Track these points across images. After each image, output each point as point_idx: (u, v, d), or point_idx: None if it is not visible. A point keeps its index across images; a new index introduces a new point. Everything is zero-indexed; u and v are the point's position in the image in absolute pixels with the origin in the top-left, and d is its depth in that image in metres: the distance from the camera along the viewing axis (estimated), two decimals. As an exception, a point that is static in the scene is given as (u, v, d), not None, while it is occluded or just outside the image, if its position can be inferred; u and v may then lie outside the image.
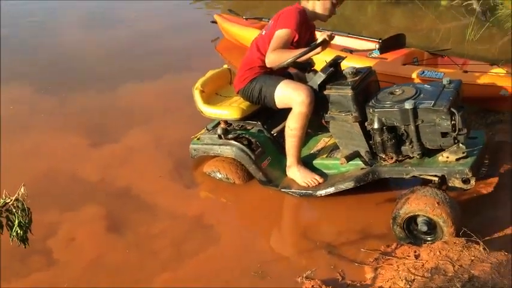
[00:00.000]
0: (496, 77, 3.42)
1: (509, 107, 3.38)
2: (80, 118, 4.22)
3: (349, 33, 4.47)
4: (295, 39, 2.87)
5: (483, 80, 3.39)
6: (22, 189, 1.71)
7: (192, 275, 2.53)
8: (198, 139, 3.32)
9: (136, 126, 3.99)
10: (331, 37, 2.78)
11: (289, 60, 2.76)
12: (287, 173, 3.04)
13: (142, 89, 4.66)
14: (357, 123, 2.65)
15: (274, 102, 2.96)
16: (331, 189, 2.82)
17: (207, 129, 3.34)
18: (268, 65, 2.91)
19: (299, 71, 2.98)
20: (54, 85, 4.87)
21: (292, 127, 2.88)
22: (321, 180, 2.90)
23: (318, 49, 2.77)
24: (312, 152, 3.13)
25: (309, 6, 2.99)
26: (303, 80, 2.93)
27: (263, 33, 3.06)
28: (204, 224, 2.91)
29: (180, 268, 2.58)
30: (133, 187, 3.25)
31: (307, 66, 2.92)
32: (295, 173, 2.99)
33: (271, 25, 2.97)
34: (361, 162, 2.75)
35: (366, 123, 2.64)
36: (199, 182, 3.32)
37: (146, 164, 3.51)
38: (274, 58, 2.83)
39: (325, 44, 2.76)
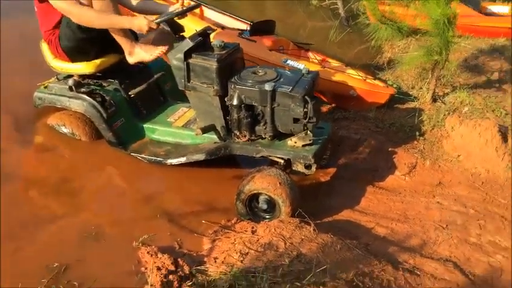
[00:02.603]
0: (349, 77, 3.70)
1: (355, 106, 3.68)
2: None
3: (224, 11, 4.47)
4: None
5: (337, 77, 3.64)
6: None
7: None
8: (46, 87, 3.03)
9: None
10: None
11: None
12: (130, 61, 2.85)
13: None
14: (217, 97, 2.65)
15: None
16: (182, 159, 2.80)
17: (57, 79, 3.06)
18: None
19: (170, 31, 2.86)
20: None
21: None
22: (164, 49, 2.76)
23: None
24: (168, 119, 3.07)
25: None
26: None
27: None
28: (34, 175, 2.70)
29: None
30: None
31: (177, 30, 2.83)
32: (139, 52, 2.82)
33: None
34: (215, 137, 2.77)
35: (225, 99, 2.65)
36: (41, 134, 3.04)
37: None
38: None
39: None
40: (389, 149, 3.15)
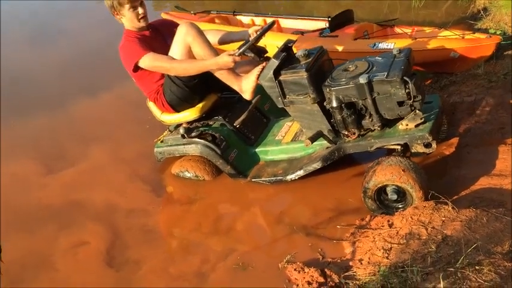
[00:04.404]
0: (445, 40, 3.50)
1: (460, 67, 3.47)
2: (31, 144, 4.02)
3: (298, 15, 4.49)
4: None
5: (433, 44, 3.46)
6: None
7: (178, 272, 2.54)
8: (162, 142, 3.28)
9: (93, 143, 3.87)
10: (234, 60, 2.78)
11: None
12: (247, 96, 2.98)
13: (93, 104, 4.50)
14: (316, 104, 2.66)
15: None
16: (300, 172, 2.84)
17: (169, 131, 3.31)
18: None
19: (255, 56, 2.97)
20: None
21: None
22: (260, 66, 2.81)
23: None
24: (276, 138, 3.14)
25: (124, 24, 3.09)
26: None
27: None
28: (179, 223, 2.92)
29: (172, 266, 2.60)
30: (111, 205, 3.19)
31: (261, 53, 2.93)
32: (246, 83, 2.92)
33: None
34: (325, 142, 2.78)
35: (324, 103, 2.66)
36: (170, 184, 3.30)
37: (113, 180, 3.43)
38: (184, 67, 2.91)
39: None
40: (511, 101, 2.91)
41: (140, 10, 3.01)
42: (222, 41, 3.22)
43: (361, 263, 2.25)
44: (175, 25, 3.12)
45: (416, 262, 2.04)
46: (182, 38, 2.88)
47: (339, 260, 2.37)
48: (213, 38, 3.16)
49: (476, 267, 1.89)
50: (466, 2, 4.44)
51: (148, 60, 2.92)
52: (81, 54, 5.66)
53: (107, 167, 3.58)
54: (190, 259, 2.66)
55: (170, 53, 2.93)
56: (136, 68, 2.99)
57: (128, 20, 3.03)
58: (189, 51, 2.89)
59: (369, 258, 2.25)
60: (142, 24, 3.04)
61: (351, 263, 2.30)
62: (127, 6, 2.97)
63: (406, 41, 3.54)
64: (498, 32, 3.65)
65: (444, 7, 4.81)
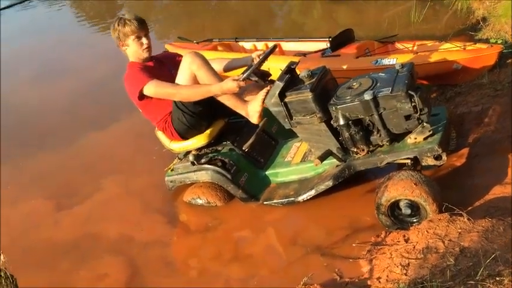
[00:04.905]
0: (447, 52, 3.52)
1: (464, 78, 3.48)
2: (41, 183, 4.03)
3: (299, 38, 4.55)
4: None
5: (435, 57, 3.48)
6: (2, 257, 1.68)
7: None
8: (172, 170, 3.30)
9: (104, 177, 3.88)
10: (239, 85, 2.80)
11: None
12: (254, 120, 2.98)
13: (101, 137, 4.53)
14: (323, 123, 2.67)
15: None
16: (312, 192, 2.84)
17: (179, 159, 3.33)
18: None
19: (259, 80, 3.00)
20: (5, 151, 4.54)
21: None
22: (265, 89, 2.82)
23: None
24: (286, 159, 3.15)
25: (129, 56, 3.14)
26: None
27: None
28: (196, 253, 2.91)
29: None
30: (127, 237, 3.19)
31: (265, 77, 2.96)
32: (252, 108, 2.93)
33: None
34: (335, 160, 2.78)
35: (331, 122, 2.67)
36: (183, 212, 3.30)
37: (126, 212, 3.44)
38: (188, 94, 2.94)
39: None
40: (519, 108, 2.91)
41: (145, 41, 3.07)
42: (227, 69, 3.27)
43: (380, 281, 2.23)
44: (179, 56, 3.17)
45: (435, 277, 2.01)
46: (187, 67, 2.92)
47: (356, 280, 2.35)
48: (218, 66, 3.21)
49: (497, 279, 1.86)
50: (465, 13, 4.47)
51: (153, 87, 2.95)
52: (88, 89, 5.73)
53: (118, 200, 3.59)
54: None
55: (176, 81, 2.97)
56: (142, 96, 3.02)
57: (133, 50, 3.08)
58: (194, 79, 2.93)
59: (387, 276, 2.22)
60: (146, 55, 3.10)
61: (369, 282, 2.27)
62: (132, 37, 3.04)
63: (408, 56, 3.57)
64: (499, 41, 3.67)
65: (443, 20, 4.85)
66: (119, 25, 3.04)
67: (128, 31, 3.02)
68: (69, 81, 6.11)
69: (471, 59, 3.39)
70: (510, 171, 2.63)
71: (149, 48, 3.10)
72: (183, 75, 2.94)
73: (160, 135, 3.26)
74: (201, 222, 3.17)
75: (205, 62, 2.94)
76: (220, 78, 2.97)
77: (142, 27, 3.06)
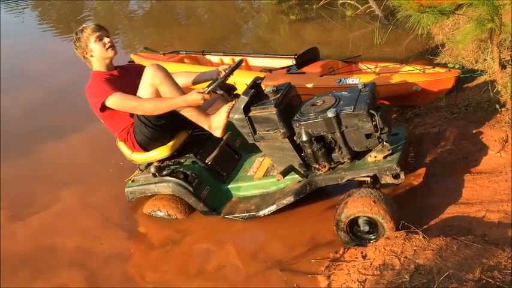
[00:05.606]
0: (407, 74, 3.64)
1: (423, 101, 3.59)
2: None
3: (266, 54, 4.60)
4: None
5: (396, 79, 3.59)
6: None
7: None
8: (133, 181, 3.24)
9: (62, 188, 3.78)
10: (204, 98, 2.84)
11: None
12: (217, 134, 3.00)
13: (60, 147, 4.44)
14: (286, 139, 2.70)
15: None
16: (273, 207, 2.85)
17: (140, 170, 3.28)
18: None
19: (225, 93, 3.01)
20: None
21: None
22: (230, 104, 2.86)
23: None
24: (248, 174, 3.15)
25: (93, 65, 3.13)
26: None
27: None
28: (157, 267, 2.85)
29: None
30: (85, 252, 3.09)
31: (230, 91, 2.98)
32: (216, 121, 2.95)
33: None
34: (297, 176, 2.81)
35: (294, 137, 2.70)
36: (142, 225, 3.24)
37: (85, 225, 3.34)
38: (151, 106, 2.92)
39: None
40: (474, 131, 3.02)
41: (106, 40, 3.05)
42: (193, 82, 3.27)
43: (337, 297, 2.25)
44: (143, 67, 3.15)
45: (391, 293, 2.05)
46: (149, 80, 2.90)
47: (314, 295, 2.36)
48: (183, 80, 3.20)
49: (450, 295, 1.91)
50: (425, 38, 4.64)
51: (116, 99, 2.92)
52: (48, 97, 5.60)
53: (77, 212, 3.49)
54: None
55: (138, 94, 2.94)
56: (104, 108, 2.97)
57: (97, 53, 3.04)
58: (156, 93, 2.91)
59: (344, 291, 2.25)
60: (111, 53, 3.06)
61: (326, 297, 2.29)
62: (92, 39, 3.01)
63: (370, 76, 3.66)
64: (457, 66, 3.83)
65: (405, 43, 5.02)
66: (77, 34, 3.05)
67: (88, 34, 3.01)
68: (30, 89, 5.94)
69: (430, 82, 3.51)
70: (464, 191, 2.72)
71: (113, 46, 3.07)
72: (145, 88, 2.91)
73: (122, 146, 3.21)
74: (162, 235, 3.11)
75: (168, 75, 2.93)
76: (182, 91, 2.96)
77: (100, 28, 3.07)
